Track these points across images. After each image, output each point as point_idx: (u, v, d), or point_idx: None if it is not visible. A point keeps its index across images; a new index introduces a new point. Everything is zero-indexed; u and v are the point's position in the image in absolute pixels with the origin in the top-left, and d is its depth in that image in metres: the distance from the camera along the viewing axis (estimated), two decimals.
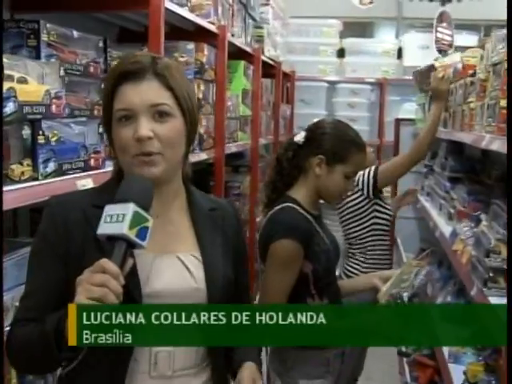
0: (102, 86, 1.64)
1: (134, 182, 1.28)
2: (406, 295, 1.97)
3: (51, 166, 1.72)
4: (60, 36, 1.95)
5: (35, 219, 2.18)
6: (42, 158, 1.67)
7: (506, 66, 1.94)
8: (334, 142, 2.09)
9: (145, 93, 1.33)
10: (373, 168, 3.08)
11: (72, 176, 1.80)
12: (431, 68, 3.43)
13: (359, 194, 3.08)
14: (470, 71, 3.02)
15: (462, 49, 3.64)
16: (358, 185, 3.03)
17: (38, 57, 1.84)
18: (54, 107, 1.73)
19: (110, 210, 1.21)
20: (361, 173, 2.96)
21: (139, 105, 1.32)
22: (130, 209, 1.19)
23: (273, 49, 5.44)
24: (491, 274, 1.91)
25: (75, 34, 2.06)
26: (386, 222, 3.14)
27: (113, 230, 1.19)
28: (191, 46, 2.84)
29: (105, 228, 1.20)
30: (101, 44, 2.26)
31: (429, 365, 3.63)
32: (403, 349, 4.22)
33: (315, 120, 2.24)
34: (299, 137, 2.16)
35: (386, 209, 3.14)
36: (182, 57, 2.78)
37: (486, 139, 2.16)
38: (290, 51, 6.72)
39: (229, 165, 4.69)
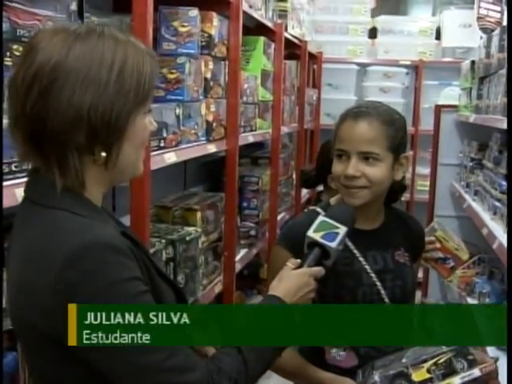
0: None
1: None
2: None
3: None
4: None
5: None
6: None
7: None
8: None
9: None
10: None
11: None
12: None
13: None
14: None
15: None
16: None
17: None
18: None
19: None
20: None
21: None
22: (318, 219, 1.50)
23: (298, 26, 4.89)
24: None
25: None
26: None
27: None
28: (194, 12, 2.29)
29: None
30: (73, 6, 1.77)
31: None
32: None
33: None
34: None
35: None
36: (182, 26, 2.24)
37: None
38: (317, 30, 6.19)
39: (247, 156, 4.17)
